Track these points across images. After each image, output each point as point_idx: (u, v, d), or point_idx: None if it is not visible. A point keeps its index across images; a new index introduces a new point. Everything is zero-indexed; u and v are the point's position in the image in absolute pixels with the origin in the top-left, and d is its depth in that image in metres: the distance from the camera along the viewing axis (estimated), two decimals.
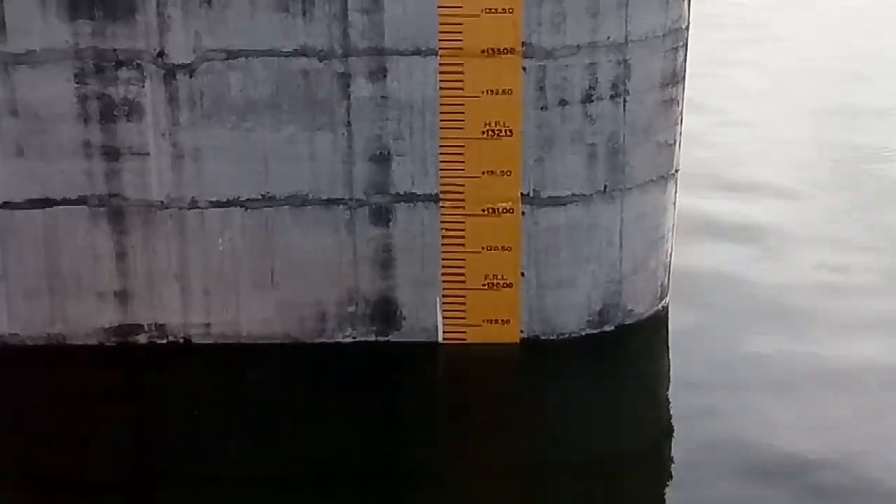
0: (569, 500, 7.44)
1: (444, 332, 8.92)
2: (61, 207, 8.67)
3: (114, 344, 8.90)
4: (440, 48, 8.40)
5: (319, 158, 8.62)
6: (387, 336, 8.98)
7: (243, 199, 8.70)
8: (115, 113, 8.49)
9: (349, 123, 8.52)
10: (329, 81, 8.45)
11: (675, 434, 8.11)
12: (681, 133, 9.21)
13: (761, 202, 11.63)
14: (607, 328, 9.11)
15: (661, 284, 9.42)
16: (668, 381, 8.78)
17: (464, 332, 8.93)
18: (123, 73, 8.41)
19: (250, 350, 8.90)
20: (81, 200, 8.66)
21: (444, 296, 8.86)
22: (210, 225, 8.74)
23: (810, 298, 9.70)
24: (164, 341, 8.94)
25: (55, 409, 8.36)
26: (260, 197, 8.69)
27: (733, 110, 14.51)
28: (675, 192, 9.33)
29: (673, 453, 7.92)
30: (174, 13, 8.32)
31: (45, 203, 8.66)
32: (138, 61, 8.41)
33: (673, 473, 7.71)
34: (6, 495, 7.52)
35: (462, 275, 8.84)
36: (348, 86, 8.46)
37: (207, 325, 8.93)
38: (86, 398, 8.43)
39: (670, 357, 9.09)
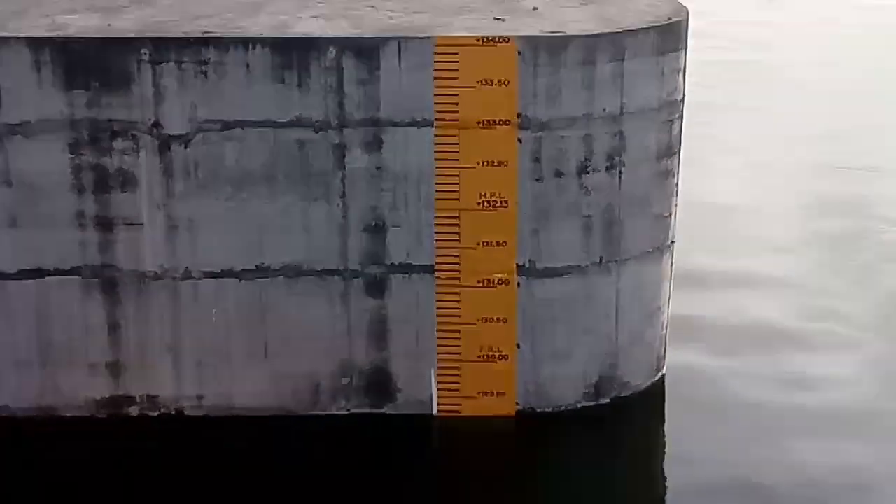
0: None
1: (438, 404, 8.86)
2: (54, 278, 8.62)
3: (105, 416, 8.82)
4: (436, 119, 8.43)
5: (314, 229, 8.61)
6: (381, 408, 8.91)
7: (237, 269, 8.66)
8: (109, 183, 8.47)
9: (344, 194, 8.52)
10: (325, 152, 8.45)
11: None
12: (676, 205, 9.21)
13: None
14: (603, 401, 9.04)
15: (658, 356, 9.38)
16: (664, 456, 8.73)
17: (458, 404, 8.86)
18: (118, 143, 8.41)
19: (243, 422, 8.82)
20: (74, 271, 8.62)
21: (438, 368, 8.81)
22: (203, 296, 8.70)
23: None
24: (156, 413, 8.87)
25: (45, 481, 8.26)
26: (254, 268, 8.66)
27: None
28: (671, 263, 9.31)
29: None
30: (169, 84, 8.33)
31: (38, 273, 8.62)
32: (133, 132, 8.41)
33: None
34: None
35: (457, 347, 8.79)
36: (344, 157, 8.47)
37: (200, 396, 8.87)
38: (75, 469, 8.32)
39: (666, 430, 9.03)
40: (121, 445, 8.68)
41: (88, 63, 8.31)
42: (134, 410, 8.85)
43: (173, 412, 8.87)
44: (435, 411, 8.86)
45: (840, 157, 14.65)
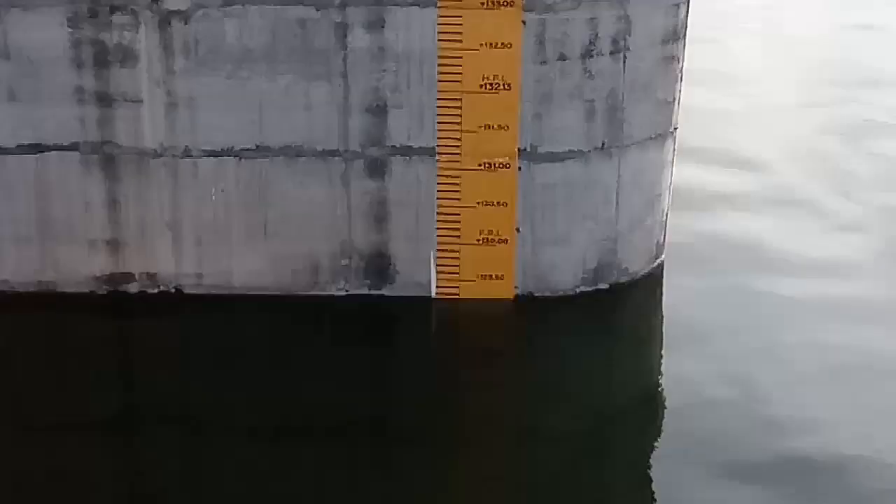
0: (559, 459, 7.34)
1: (437, 286, 8.87)
2: (53, 153, 8.58)
3: (105, 292, 8.84)
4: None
5: (315, 109, 8.53)
6: (380, 290, 8.92)
7: (237, 148, 8.61)
8: (108, 59, 8.38)
9: (345, 74, 8.43)
10: (326, 31, 8.32)
11: (665, 394, 8.03)
12: (680, 91, 9.12)
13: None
14: (602, 286, 9.06)
15: (657, 243, 9.37)
16: (661, 340, 8.72)
17: (457, 287, 8.88)
18: (118, 18, 8.30)
19: (242, 301, 8.84)
20: (74, 147, 8.56)
21: (438, 250, 8.80)
22: (203, 174, 8.65)
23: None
24: (156, 290, 8.89)
25: (44, 354, 8.31)
26: (254, 147, 8.61)
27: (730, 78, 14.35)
28: (674, 150, 9.24)
29: (666, 413, 7.85)
30: None
31: (37, 148, 8.57)
32: (133, 7, 8.29)
33: (665, 434, 7.64)
34: None
35: (457, 230, 8.78)
36: (345, 36, 8.35)
37: (199, 275, 8.86)
38: (75, 344, 8.36)
39: (664, 316, 9.02)
40: (120, 322, 8.76)
41: None
42: (133, 287, 8.87)
43: (173, 290, 8.89)
44: (433, 294, 8.88)
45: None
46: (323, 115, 8.54)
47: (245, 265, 8.85)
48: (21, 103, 8.46)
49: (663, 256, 9.48)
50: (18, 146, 8.57)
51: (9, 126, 8.51)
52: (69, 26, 8.31)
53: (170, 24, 8.31)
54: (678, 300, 9.11)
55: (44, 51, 8.35)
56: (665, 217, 9.39)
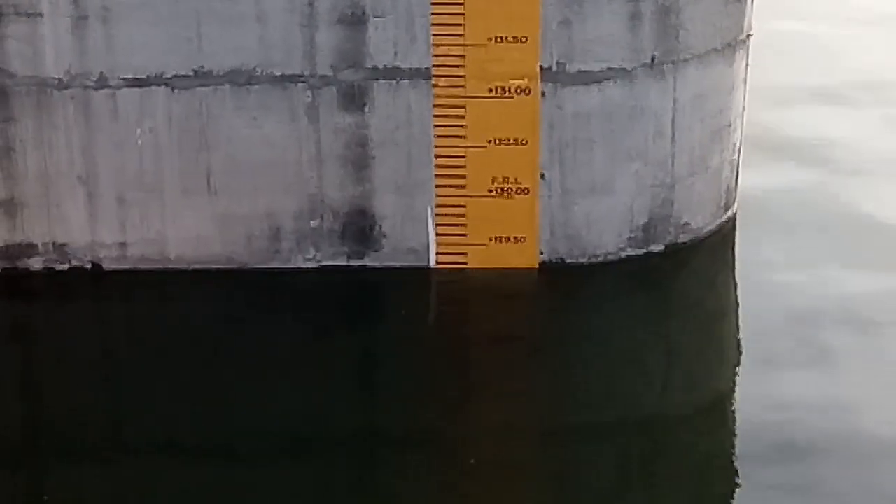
0: (590, 469, 6.42)
1: (437, 253, 7.96)
2: None
3: None
4: None
5: (270, 20, 7.58)
6: (361, 259, 7.99)
7: (169, 75, 7.68)
8: None
9: None
10: None
11: (737, 394, 7.00)
12: None
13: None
14: (655, 248, 8.06)
15: (727, 189, 8.32)
16: (735, 322, 7.59)
17: (464, 253, 7.98)
18: None
19: (180, 278, 7.93)
20: None
21: (437, 206, 7.90)
22: (125, 111, 7.71)
23: None
24: (66, 266, 7.97)
25: None
26: (191, 73, 7.68)
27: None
28: (747, 65, 8.12)
29: (737, 420, 6.73)
30: None
31: None
32: None
33: (731, 441, 6.59)
34: None
35: (462, 177, 7.85)
36: None
37: (123, 244, 7.94)
38: None
39: (738, 286, 7.90)
40: (19, 309, 7.85)
41: None
42: (36, 262, 7.97)
43: (88, 265, 7.98)
44: (432, 263, 8.00)
45: None
46: (281, 27, 7.60)
47: (183, 230, 7.96)
48: None
49: (735, 207, 8.45)
50: None
51: None
52: None
53: None
54: (756, 266, 8.02)
55: None
56: (738, 155, 8.31)
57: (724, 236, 8.38)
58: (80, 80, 7.66)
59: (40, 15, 7.54)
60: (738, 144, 8.32)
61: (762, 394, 7.02)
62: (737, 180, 8.43)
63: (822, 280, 8.02)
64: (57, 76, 7.65)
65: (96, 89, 7.66)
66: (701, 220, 8.26)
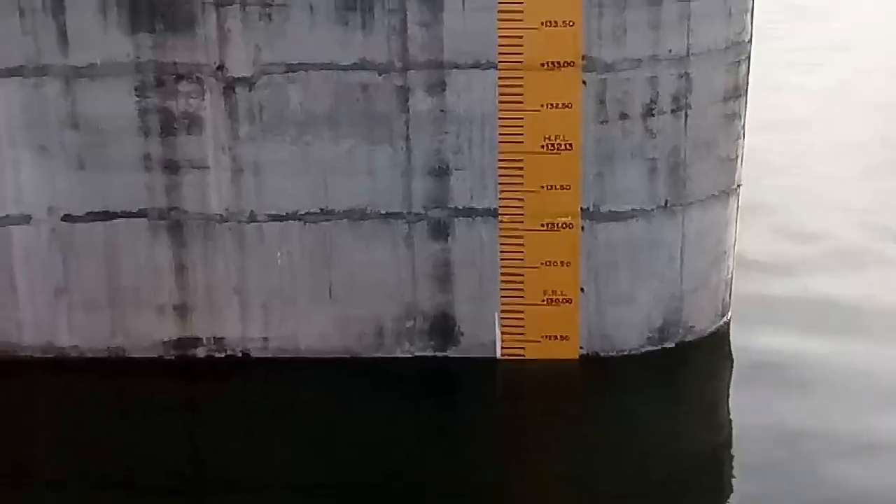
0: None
1: (502, 347, 8.84)
2: (122, 220, 8.70)
3: (173, 357, 8.90)
4: (500, 61, 8.34)
5: (378, 172, 8.59)
6: (445, 351, 8.90)
7: (302, 212, 8.67)
8: (175, 126, 8.50)
9: (408, 137, 8.48)
10: (388, 95, 8.42)
11: (736, 455, 7.93)
12: (743, 147, 9.08)
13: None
14: (668, 345, 8.98)
15: (723, 301, 9.28)
16: (728, 400, 8.61)
17: (522, 347, 8.84)
18: (183, 86, 8.44)
19: (308, 364, 8.86)
20: (142, 213, 8.68)
21: (502, 311, 8.78)
22: (269, 239, 8.72)
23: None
24: (223, 355, 8.93)
25: (114, 419, 8.39)
26: (318, 211, 8.67)
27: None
28: (737, 207, 9.17)
29: (734, 475, 7.74)
30: (234, 26, 8.32)
31: (106, 216, 8.70)
32: (198, 75, 8.43)
33: (733, 498, 7.53)
34: (65, 499, 7.57)
35: (521, 290, 8.75)
36: (407, 99, 8.42)
37: (265, 339, 8.91)
38: (144, 409, 8.46)
39: (731, 375, 8.88)
40: (187, 387, 8.80)
41: (153, 5, 8.32)
42: (201, 352, 8.92)
43: (240, 354, 8.92)
44: (499, 355, 8.84)
45: None
46: (386, 177, 8.60)
47: (311, 328, 8.87)
48: (90, 171, 8.61)
49: (729, 314, 9.37)
50: (88, 213, 8.71)
51: (79, 194, 8.66)
52: (136, 95, 8.47)
53: (234, 90, 8.43)
54: (745, 359, 8.97)
55: (112, 120, 8.51)
56: (730, 275, 9.29)
57: (721, 336, 9.12)
58: (236, 216, 8.58)
59: (207, 167, 8.51)
60: (730, 267, 9.17)
61: (750, 453, 7.74)
62: (730, 294, 9.25)
63: (802, 359, 8.69)
64: (219, 213, 8.58)
65: (248, 223, 8.59)
66: (703, 324, 9.05)
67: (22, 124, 8.56)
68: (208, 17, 8.32)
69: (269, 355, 8.90)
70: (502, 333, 8.82)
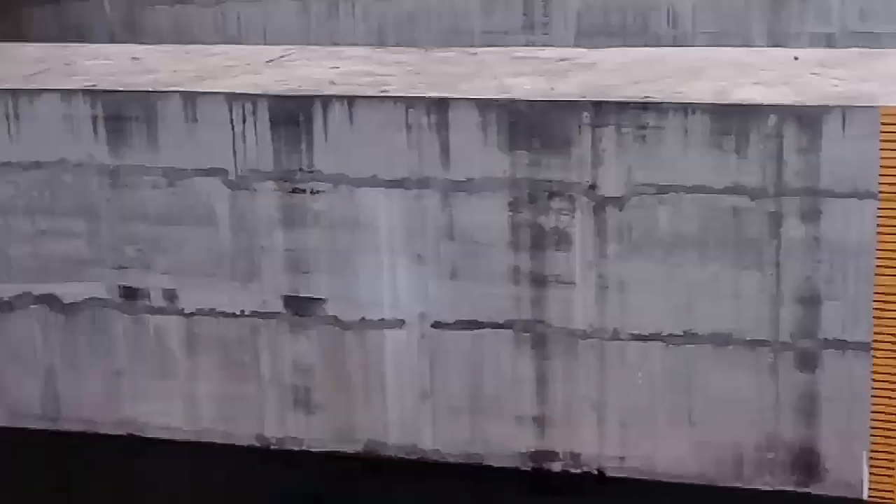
0: None
1: (869, 489, 8.47)
2: (489, 330, 8.91)
3: (528, 469, 8.98)
4: (881, 191, 8.10)
5: (745, 298, 8.47)
6: (807, 487, 8.61)
7: (665, 334, 8.66)
8: (544, 242, 8.69)
9: (778, 264, 8.34)
10: (759, 220, 8.32)
11: None
12: None
13: None
14: None
15: None
16: None
17: (891, 491, 8.43)
18: (555, 203, 8.63)
19: (664, 488, 8.77)
20: (508, 325, 8.87)
21: (871, 450, 8.43)
22: (630, 358, 8.74)
23: None
24: (578, 471, 8.95)
25: None
26: (682, 333, 8.63)
27: None
28: None
29: None
30: (608, 147, 8.46)
31: (474, 325, 8.94)
32: (570, 193, 8.59)
33: None
34: None
35: (893, 430, 8.36)
36: (779, 225, 8.30)
37: (622, 458, 8.88)
38: None
39: None
40: (545, 500, 8.96)
41: (532, 125, 8.58)
42: (557, 466, 8.97)
43: (595, 471, 8.91)
44: (865, 496, 8.49)
45: None
46: (753, 303, 8.47)
47: (668, 451, 8.79)
48: (461, 281, 8.89)
49: None
50: (457, 321, 8.98)
51: (449, 302, 8.95)
52: (510, 210, 8.71)
53: (605, 209, 8.55)
54: None
55: (485, 232, 8.77)
56: None
57: None
58: (598, 333, 8.64)
59: (574, 283, 8.64)
60: None
61: None
62: None
63: None
64: (582, 328, 8.68)
65: (609, 340, 8.65)
66: None
67: (402, 233, 8.96)
68: (584, 137, 8.49)
69: (625, 475, 8.86)
70: (871, 474, 8.46)
